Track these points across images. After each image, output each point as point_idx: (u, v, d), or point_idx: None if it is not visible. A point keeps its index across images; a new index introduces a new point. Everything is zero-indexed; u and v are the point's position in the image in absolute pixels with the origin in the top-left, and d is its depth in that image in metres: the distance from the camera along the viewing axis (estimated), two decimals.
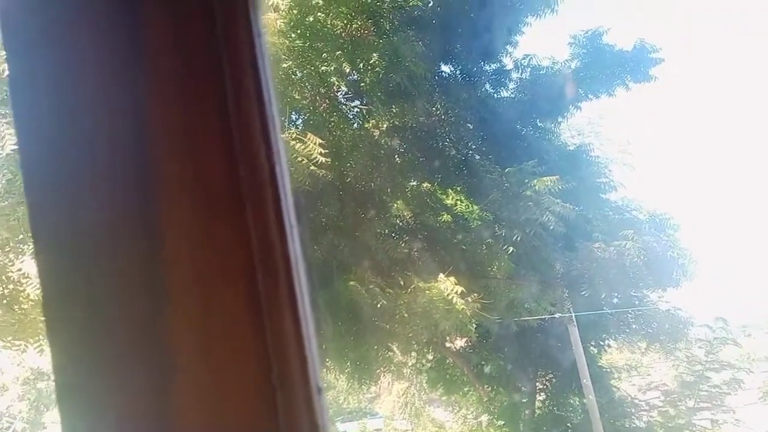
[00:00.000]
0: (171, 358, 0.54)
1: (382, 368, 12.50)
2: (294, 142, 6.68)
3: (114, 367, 0.55)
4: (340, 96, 8.85)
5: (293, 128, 7.30)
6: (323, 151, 6.80)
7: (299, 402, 0.56)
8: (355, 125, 8.73)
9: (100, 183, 0.56)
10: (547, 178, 9.07)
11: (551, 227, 9.36)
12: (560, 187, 9.11)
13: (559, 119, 10.14)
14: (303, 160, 6.73)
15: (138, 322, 0.55)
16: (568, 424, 15.42)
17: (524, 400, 15.35)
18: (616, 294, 13.55)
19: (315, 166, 6.88)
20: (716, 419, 16.08)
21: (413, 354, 14.89)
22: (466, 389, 16.56)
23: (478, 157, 9.62)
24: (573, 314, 12.62)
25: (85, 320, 0.55)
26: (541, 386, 15.96)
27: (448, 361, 15.81)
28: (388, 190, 9.00)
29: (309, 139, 6.81)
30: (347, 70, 8.06)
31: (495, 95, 9.83)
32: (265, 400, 0.55)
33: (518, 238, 9.37)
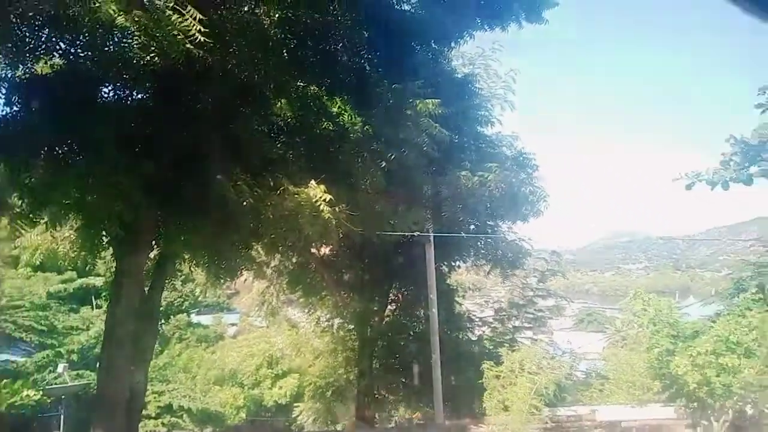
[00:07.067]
0: None
1: (244, 266, 12.45)
2: (170, 12, 5.97)
3: None
4: None
5: None
6: (203, 30, 6.18)
7: None
8: (246, 8, 8.01)
9: None
10: (430, 101, 9.21)
11: (425, 149, 9.65)
12: (440, 111, 9.31)
13: (452, 44, 10.20)
14: (179, 34, 6.07)
15: None
16: (411, 333, 16.89)
17: (376, 308, 16.43)
18: (472, 220, 14.58)
19: (192, 44, 6.26)
20: (536, 338, 18.51)
21: (277, 256, 15.02)
22: (323, 294, 17.28)
23: (368, 67, 9.42)
24: (431, 234, 13.42)
25: None
26: (393, 297, 17.15)
27: (310, 266, 16.22)
28: (272, 86, 8.55)
29: (189, 12, 6.12)
30: None
31: (396, 6, 9.53)
32: None
33: (392, 156, 9.55)
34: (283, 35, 8.10)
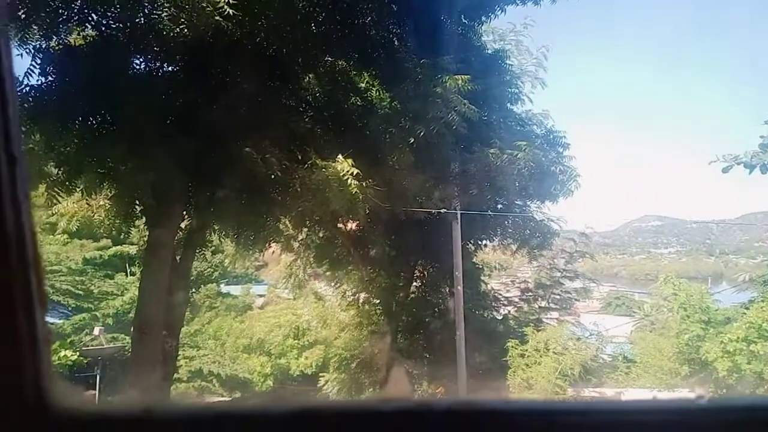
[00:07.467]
0: None
1: (272, 238, 12.65)
2: None
3: None
4: None
5: None
6: (232, 2, 6.21)
7: None
8: None
9: None
10: (459, 76, 9.05)
11: (454, 127, 9.53)
12: (470, 87, 9.15)
13: (483, 18, 9.98)
14: (208, 7, 6.13)
15: None
16: (436, 309, 16.94)
17: (401, 284, 16.53)
18: (500, 199, 14.39)
19: (221, 17, 6.31)
20: (562, 319, 18.34)
21: (304, 229, 15.22)
22: (350, 268, 17.46)
23: (397, 42, 9.31)
24: (458, 212, 13.31)
25: None
26: (418, 273, 17.19)
27: (337, 240, 16.38)
28: (300, 60, 8.55)
29: None
30: None
31: None
32: None
33: (421, 133, 9.47)
34: (311, 9, 8.06)
